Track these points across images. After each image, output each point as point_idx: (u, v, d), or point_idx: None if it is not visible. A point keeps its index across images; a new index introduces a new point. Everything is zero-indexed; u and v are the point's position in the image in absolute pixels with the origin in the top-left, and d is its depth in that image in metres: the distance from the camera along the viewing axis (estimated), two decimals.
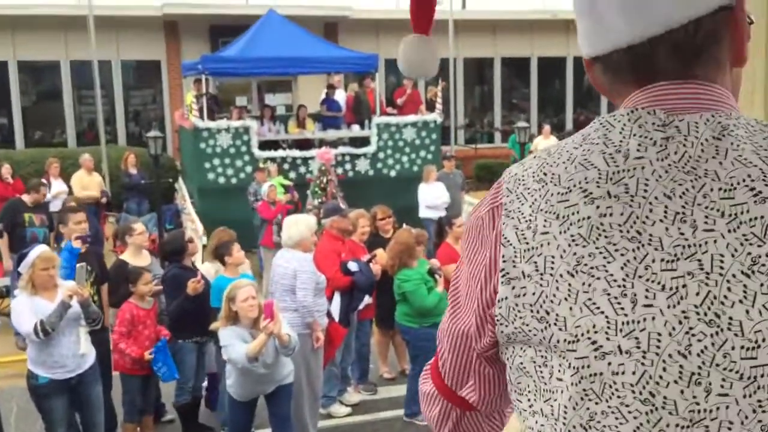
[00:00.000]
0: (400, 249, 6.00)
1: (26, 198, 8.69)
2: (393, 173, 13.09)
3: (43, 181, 9.88)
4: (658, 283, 0.80)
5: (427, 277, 6.00)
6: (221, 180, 12.20)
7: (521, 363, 0.90)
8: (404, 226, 7.39)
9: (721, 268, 0.78)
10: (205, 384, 6.46)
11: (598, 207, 0.84)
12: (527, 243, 0.87)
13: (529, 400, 0.90)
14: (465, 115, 20.44)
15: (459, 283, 1.02)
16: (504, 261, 0.89)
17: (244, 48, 12.87)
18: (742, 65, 0.94)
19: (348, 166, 12.83)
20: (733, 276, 0.78)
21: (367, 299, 6.62)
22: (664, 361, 0.78)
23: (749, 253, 0.78)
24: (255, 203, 10.40)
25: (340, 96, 14.33)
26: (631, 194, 0.83)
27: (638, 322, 0.79)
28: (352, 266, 6.35)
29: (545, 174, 0.90)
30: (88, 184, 11.77)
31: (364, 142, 13.21)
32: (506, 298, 0.89)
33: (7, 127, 17.55)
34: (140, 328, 5.52)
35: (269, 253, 8.67)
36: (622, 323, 0.80)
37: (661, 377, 0.78)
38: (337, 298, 6.36)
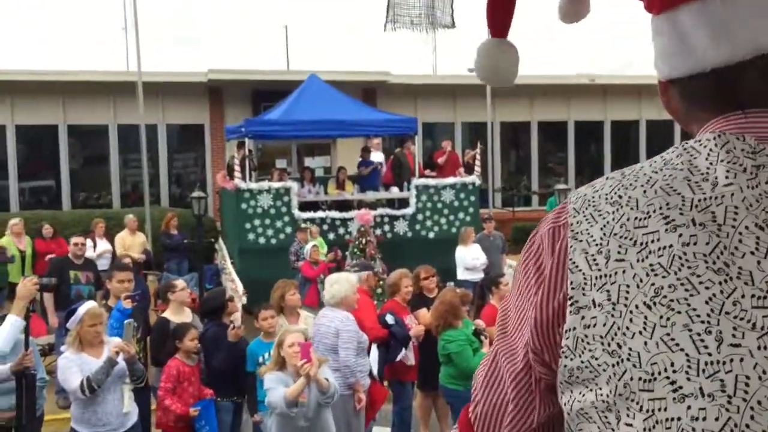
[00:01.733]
0: (444, 309, 5.91)
1: (72, 256, 8.87)
2: (431, 235, 13.05)
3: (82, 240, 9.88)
4: (748, 321, 0.73)
5: (473, 338, 5.89)
6: (261, 240, 12.29)
7: (581, 408, 0.81)
8: (449, 284, 7.32)
9: None
10: None
11: (681, 235, 0.77)
12: (599, 270, 0.80)
13: None
14: (501, 178, 20.46)
15: (508, 309, 0.96)
16: (573, 288, 0.82)
17: (286, 111, 13.15)
18: None
19: (387, 228, 12.85)
20: None
21: (408, 356, 6.53)
22: (752, 408, 0.71)
23: None
24: (296, 263, 10.43)
25: (378, 158, 14.47)
26: (718, 223, 0.76)
27: (724, 362, 0.72)
28: (389, 319, 6.43)
29: (620, 197, 0.83)
30: (131, 244, 11.99)
31: (402, 203, 13.26)
32: (574, 328, 0.81)
33: (54, 190, 18.06)
34: (185, 384, 5.49)
35: (313, 312, 8.65)
36: (705, 363, 0.73)
37: (747, 426, 0.70)
38: (374, 350, 6.30)
